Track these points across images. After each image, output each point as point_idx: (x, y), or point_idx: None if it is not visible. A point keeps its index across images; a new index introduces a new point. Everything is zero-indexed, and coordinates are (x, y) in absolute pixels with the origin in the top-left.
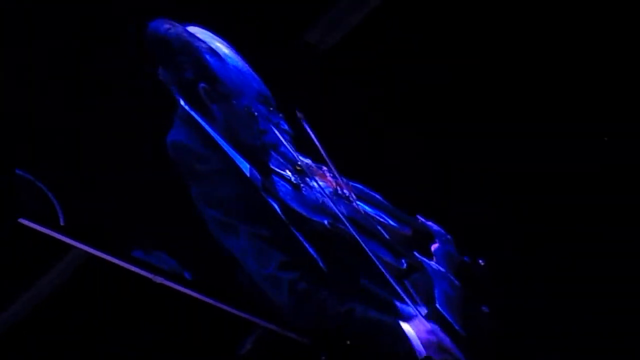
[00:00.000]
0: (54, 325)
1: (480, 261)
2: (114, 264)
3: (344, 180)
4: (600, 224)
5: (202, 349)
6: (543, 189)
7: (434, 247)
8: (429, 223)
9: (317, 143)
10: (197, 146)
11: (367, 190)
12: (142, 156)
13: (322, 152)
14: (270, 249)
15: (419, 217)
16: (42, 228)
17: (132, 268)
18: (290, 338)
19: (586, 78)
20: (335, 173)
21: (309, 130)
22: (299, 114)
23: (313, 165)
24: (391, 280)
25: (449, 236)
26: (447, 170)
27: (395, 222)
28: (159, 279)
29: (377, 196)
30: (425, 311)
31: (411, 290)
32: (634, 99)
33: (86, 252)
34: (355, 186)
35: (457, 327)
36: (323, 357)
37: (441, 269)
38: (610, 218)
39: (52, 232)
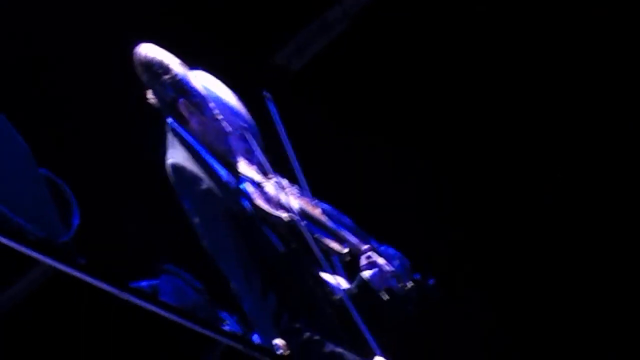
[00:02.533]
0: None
1: (430, 281)
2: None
3: (309, 195)
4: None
5: None
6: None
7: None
8: (384, 246)
9: (286, 144)
10: (191, 165)
11: (331, 209)
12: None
13: (295, 164)
14: (249, 261)
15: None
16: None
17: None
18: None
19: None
20: (304, 186)
21: (277, 117)
22: (265, 94)
23: (284, 181)
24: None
25: (401, 256)
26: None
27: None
28: (124, 295)
29: (342, 216)
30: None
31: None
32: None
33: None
34: (320, 204)
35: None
36: None
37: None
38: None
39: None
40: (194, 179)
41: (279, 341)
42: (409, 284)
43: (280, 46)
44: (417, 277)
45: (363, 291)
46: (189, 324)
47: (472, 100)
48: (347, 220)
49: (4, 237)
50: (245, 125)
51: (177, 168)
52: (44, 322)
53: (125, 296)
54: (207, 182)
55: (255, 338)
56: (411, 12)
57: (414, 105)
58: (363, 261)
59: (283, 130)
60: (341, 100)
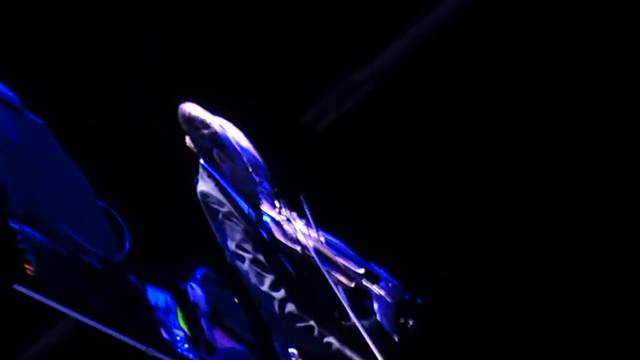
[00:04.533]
0: None
1: (418, 299)
2: (106, 334)
3: (317, 227)
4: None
5: None
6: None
7: (381, 284)
8: (379, 269)
9: (301, 196)
10: (216, 193)
11: (331, 236)
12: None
13: (306, 208)
14: (265, 272)
15: (372, 263)
16: (38, 296)
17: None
18: None
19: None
20: (312, 222)
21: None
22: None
23: (294, 214)
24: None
25: (394, 280)
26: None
27: (352, 263)
28: (151, 351)
29: (340, 242)
30: None
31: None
32: None
33: (78, 320)
34: (324, 234)
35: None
36: None
37: (382, 293)
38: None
39: (48, 300)
40: (218, 202)
41: (294, 350)
42: (410, 322)
43: (308, 106)
44: (407, 297)
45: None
46: None
47: (494, 159)
48: (348, 250)
49: None
50: (266, 172)
51: (204, 194)
52: None
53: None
54: (229, 207)
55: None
56: (438, 74)
57: (439, 167)
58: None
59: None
60: (367, 159)
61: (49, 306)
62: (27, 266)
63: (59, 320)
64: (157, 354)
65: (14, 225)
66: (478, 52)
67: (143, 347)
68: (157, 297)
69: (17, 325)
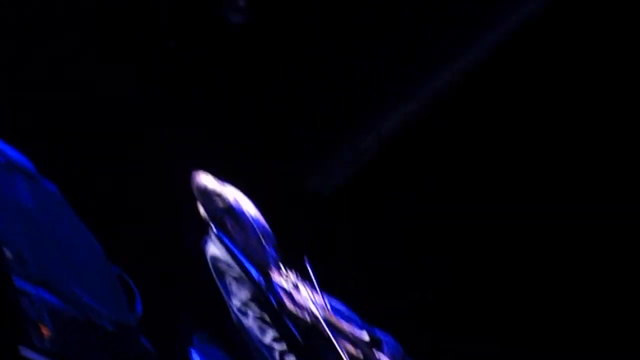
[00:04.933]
0: None
1: None
2: None
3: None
4: None
5: None
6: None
7: (385, 350)
8: (383, 334)
9: (306, 263)
10: (227, 258)
11: (338, 303)
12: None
13: (309, 268)
14: (268, 328)
15: (376, 329)
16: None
17: None
18: None
19: None
20: (316, 286)
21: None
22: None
23: (300, 280)
24: None
25: (396, 344)
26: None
27: (357, 328)
28: None
29: (344, 307)
30: None
31: None
32: None
33: None
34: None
35: None
36: None
37: None
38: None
39: None
40: (228, 265)
41: None
42: None
43: (313, 172)
44: None
45: None
46: None
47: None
48: (353, 316)
49: None
50: (274, 241)
51: (215, 257)
52: None
53: None
54: (238, 271)
55: None
56: (439, 138)
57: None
58: None
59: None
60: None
61: None
62: (43, 329)
63: None
64: None
65: (30, 289)
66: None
67: None
68: None
69: None
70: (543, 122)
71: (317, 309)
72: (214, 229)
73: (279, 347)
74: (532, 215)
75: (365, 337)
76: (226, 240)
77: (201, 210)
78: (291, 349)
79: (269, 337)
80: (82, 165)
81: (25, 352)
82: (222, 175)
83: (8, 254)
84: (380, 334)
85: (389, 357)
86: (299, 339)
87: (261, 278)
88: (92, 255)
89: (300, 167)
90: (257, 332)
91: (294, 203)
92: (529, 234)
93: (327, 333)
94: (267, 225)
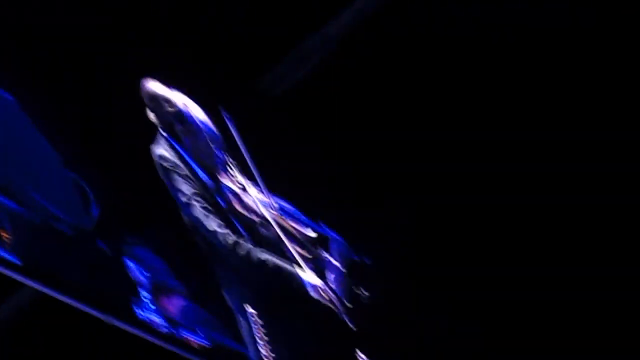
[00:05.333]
0: None
1: (366, 260)
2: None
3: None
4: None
5: None
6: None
7: (331, 247)
8: (328, 229)
9: (250, 163)
10: (175, 159)
11: (285, 202)
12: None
13: (253, 169)
14: (213, 216)
15: (321, 224)
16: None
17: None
18: None
19: None
20: (262, 186)
21: (235, 133)
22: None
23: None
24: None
25: (341, 240)
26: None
27: (303, 226)
28: (110, 320)
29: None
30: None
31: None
32: None
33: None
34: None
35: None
36: None
37: (334, 261)
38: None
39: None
40: (175, 165)
41: (251, 310)
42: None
43: (264, 72)
44: (356, 258)
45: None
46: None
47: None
48: (299, 214)
49: None
50: (221, 144)
51: (162, 157)
52: None
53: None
54: (186, 172)
55: None
56: (393, 37)
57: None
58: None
59: (242, 143)
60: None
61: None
62: (3, 233)
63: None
64: (117, 323)
65: None
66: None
67: (103, 317)
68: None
69: None
70: None
71: (265, 209)
72: (163, 134)
73: (223, 230)
74: None
75: (312, 234)
76: (175, 144)
77: (150, 115)
78: (235, 232)
79: (214, 223)
80: (37, 74)
81: None
82: (171, 81)
83: None
84: (327, 232)
85: (337, 255)
86: (246, 236)
87: (210, 180)
88: (49, 163)
89: (252, 67)
90: (203, 221)
91: (244, 103)
92: None
93: (275, 232)
94: (215, 130)
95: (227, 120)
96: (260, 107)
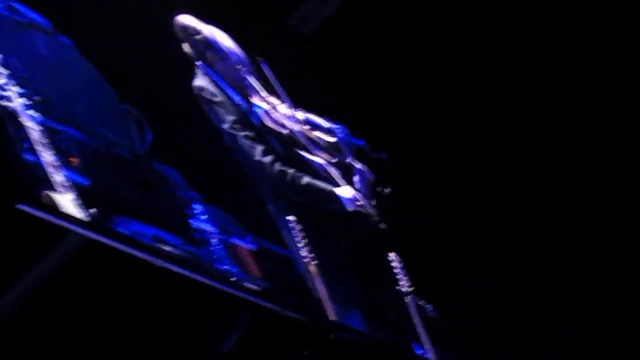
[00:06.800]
0: (51, 312)
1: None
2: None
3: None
4: None
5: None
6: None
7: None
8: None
9: (275, 84)
10: (211, 87)
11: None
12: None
13: (278, 89)
14: (255, 144)
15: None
16: (41, 213)
17: (132, 251)
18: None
19: None
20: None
21: (268, 71)
22: (258, 59)
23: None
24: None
25: (363, 142)
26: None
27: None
28: (159, 262)
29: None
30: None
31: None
32: None
33: (85, 236)
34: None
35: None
36: (307, 352)
37: (357, 164)
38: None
39: (51, 218)
40: (212, 94)
41: (292, 217)
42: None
43: (294, 9)
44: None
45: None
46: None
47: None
48: (321, 124)
49: None
50: (250, 67)
51: (200, 87)
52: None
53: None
54: (222, 98)
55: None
56: None
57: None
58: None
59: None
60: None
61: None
62: (71, 159)
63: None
64: (166, 265)
65: (60, 127)
66: None
67: (151, 259)
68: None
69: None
70: None
71: (292, 122)
72: (198, 64)
73: (267, 159)
74: None
75: (333, 139)
76: (208, 71)
77: (186, 47)
78: (277, 159)
79: (257, 152)
80: (90, 21)
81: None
82: (201, 15)
83: (38, 99)
84: (353, 140)
85: (363, 166)
86: (280, 151)
87: (243, 101)
88: (105, 97)
89: (282, 4)
90: (247, 149)
91: (274, 38)
92: None
93: (304, 143)
94: (243, 55)
95: (257, 58)
96: (289, 43)
